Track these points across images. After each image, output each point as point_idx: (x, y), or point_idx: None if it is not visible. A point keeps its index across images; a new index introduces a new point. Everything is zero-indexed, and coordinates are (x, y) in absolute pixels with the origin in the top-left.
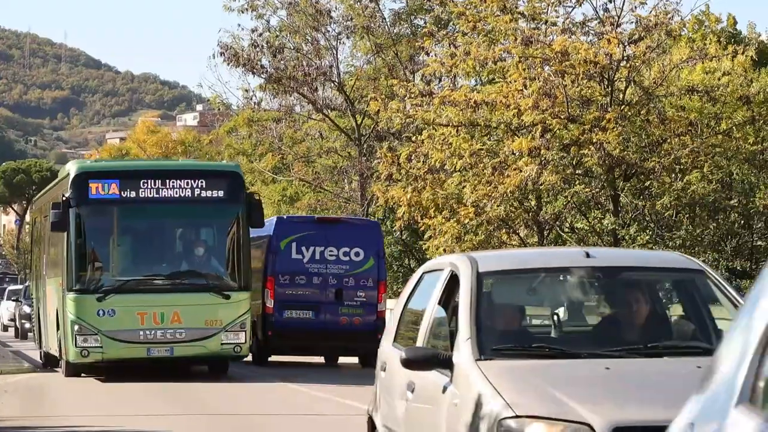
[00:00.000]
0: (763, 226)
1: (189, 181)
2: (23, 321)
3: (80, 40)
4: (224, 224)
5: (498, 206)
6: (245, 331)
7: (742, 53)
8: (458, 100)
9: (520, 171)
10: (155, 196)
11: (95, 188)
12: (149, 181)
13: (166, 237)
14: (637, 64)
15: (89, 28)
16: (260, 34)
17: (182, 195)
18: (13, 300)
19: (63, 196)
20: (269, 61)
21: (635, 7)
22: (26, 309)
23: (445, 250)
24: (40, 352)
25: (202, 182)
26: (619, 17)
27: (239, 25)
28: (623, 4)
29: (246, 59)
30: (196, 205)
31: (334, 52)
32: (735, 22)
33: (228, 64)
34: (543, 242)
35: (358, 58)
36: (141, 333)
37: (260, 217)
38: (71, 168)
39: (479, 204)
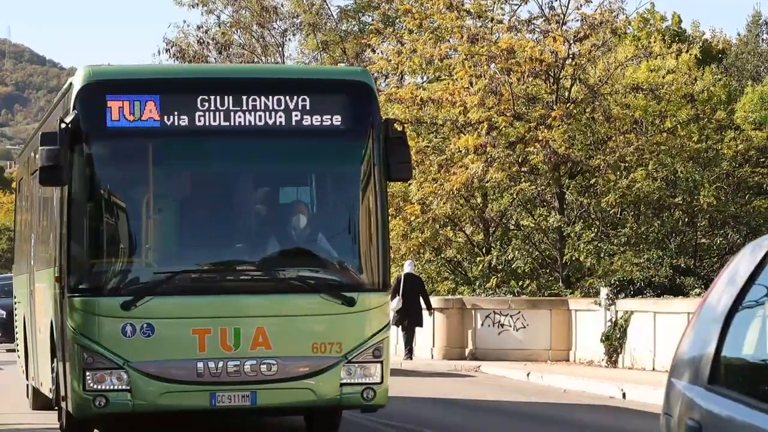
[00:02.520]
0: (707, 224)
1: (282, 97)
2: None
3: (24, 36)
4: (345, 175)
5: (444, 203)
6: (382, 362)
7: (687, 51)
8: (404, 97)
9: (466, 168)
10: (223, 124)
11: (117, 109)
12: (212, 97)
13: (242, 198)
14: (583, 62)
15: (34, 24)
16: (206, 31)
17: (270, 123)
18: None
19: (61, 122)
20: (215, 59)
21: (581, 5)
22: None
23: (391, 247)
24: (27, 387)
25: (304, 101)
26: (564, 15)
27: (185, 21)
28: (569, 2)
29: (192, 56)
30: (295, 141)
31: (281, 49)
32: (680, 21)
33: (174, 60)
34: (489, 239)
35: (305, 54)
36: (200, 366)
37: (407, 163)
38: (77, 78)
39: (425, 201)
